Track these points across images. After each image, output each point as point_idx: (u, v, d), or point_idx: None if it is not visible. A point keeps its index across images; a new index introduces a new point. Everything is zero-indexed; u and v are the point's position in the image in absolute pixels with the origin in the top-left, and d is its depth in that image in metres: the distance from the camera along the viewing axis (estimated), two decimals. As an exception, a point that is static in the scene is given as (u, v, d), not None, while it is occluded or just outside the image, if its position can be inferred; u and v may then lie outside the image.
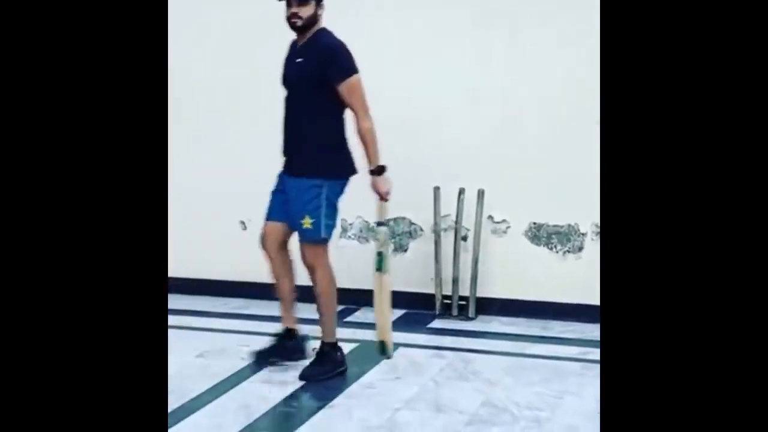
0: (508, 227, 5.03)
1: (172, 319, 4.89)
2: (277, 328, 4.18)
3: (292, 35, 3.98)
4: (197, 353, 4.34)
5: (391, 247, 3.87)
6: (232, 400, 3.71)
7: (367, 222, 5.24)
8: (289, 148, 3.97)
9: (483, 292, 5.01)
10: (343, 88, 3.78)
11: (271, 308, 5.21)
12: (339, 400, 3.70)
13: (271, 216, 4.05)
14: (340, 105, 3.84)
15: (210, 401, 3.68)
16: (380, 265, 3.99)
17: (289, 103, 3.93)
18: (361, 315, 5.12)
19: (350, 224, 5.27)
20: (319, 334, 4.07)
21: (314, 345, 4.10)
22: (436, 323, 4.94)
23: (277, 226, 4.03)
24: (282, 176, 4.02)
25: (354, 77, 3.80)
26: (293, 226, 3.96)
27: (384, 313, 4.00)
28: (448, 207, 5.03)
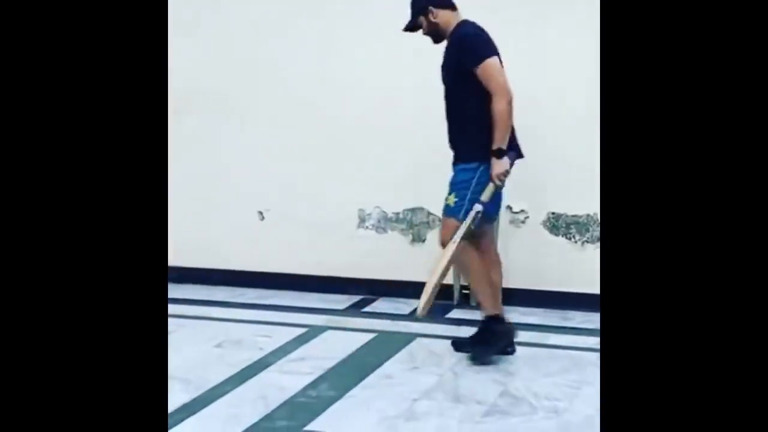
0: (527, 217, 5.01)
1: (190, 309, 4.97)
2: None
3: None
4: (215, 343, 4.36)
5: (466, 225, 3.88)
6: (250, 389, 3.72)
7: (385, 212, 5.23)
8: (450, 140, 4.08)
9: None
10: (480, 72, 3.88)
11: (288, 298, 5.25)
12: (356, 391, 3.70)
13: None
14: (484, 90, 3.91)
15: (228, 391, 3.68)
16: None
17: (445, 97, 4.06)
18: (378, 305, 5.12)
19: (368, 214, 5.26)
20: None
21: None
22: (455, 313, 4.93)
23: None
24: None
25: (487, 61, 3.89)
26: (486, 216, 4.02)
27: (434, 275, 3.97)
28: (466, 197, 5.01)
